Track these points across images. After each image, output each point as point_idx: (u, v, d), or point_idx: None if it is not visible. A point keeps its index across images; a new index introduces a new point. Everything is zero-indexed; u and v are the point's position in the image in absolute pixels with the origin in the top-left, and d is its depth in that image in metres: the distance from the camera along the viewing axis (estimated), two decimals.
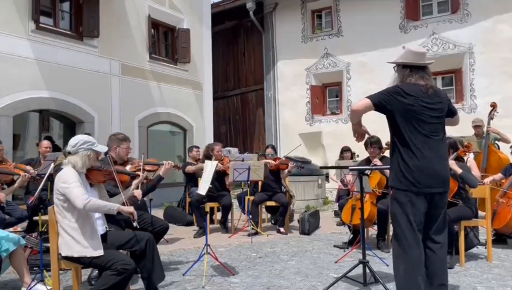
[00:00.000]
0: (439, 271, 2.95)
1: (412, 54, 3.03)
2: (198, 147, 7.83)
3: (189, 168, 7.02)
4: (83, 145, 3.09)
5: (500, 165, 6.20)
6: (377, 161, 5.11)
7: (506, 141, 6.80)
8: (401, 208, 2.91)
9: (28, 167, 5.40)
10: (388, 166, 3.19)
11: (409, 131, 2.89)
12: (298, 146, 7.72)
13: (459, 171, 4.36)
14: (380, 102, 2.91)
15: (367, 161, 5.44)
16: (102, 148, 3.30)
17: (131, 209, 3.10)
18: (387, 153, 5.56)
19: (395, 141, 3.00)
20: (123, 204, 3.27)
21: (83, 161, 3.08)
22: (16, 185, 4.84)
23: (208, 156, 6.47)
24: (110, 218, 3.65)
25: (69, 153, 3.10)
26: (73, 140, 3.13)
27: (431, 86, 2.98)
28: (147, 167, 4.36)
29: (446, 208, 3.04)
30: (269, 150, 6.99)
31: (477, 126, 7.08)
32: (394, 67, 3.16)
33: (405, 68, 3.02)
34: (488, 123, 6.65)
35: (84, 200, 2.86)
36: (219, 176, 6.53)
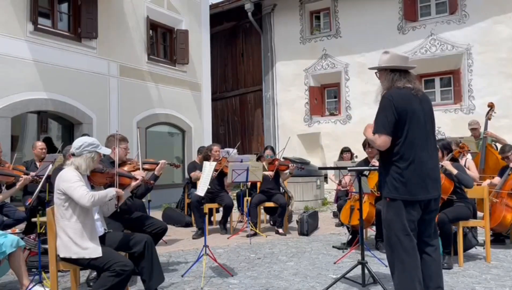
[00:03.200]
0: (435, 274, 2.94)
1: (399, 58, 3.01)
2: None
3: (193, 175, 6.98)
4: (88, 148, 3.09)
5: (498, 165, 6.22)
6: (375, 162, 5.11)
7: (504, 143, 6.81)
8: (396, 215, 2.88)
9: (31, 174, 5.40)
10: None
11: (402, 138, 2.85)
12: (288, 139, 7.67)
13: (455, 171, 4.38)
14: (391, 130, 2.84)
15: (366, 162, 5.44)
16: (106, 150, 3.30)
17: (121, 191, 3.18)
18: None
19: (387, 149, 2.91)
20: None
21: (87, 164, 3.08)
22: (16, 187, 4.81)
23: (206, 158, 6.47)
24: (109, 220, 3.65)
25: (73, 154, 3.10)
26: (78, 142, 3.13)
27: (419, 89, 2.97)
28: (146, 166, 4.37)
29: (438, 211, 3.04)
30: (268, 152, 6.98)
31: (473, 129, 7.09)
32: (376, 73, 3.11)
33: (393, 72, 2.98)
34: (486, 124, 6.66)
35: (90, 199, 2.89)
36: (219, 176, 6.51)
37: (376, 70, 3.11)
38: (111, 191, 3.09)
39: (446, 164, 4.42)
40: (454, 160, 4.64)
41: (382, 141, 2.86)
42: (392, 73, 2.99)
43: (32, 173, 4.91)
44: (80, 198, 2.89)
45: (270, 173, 6.54)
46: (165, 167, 4.27)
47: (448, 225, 4.34)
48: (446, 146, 4.63)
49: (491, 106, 6.72)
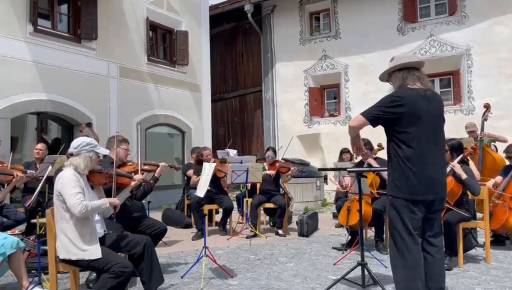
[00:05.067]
0: (436, 275, 2.95)
1: (403, 57, 3.07)
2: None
3: (190, 173, 6.99)
4: (86, 147, 3.10)
5: (495, 166, 6.20)
6: (370, 161, 5.10)
7: (503, 141, 6.78)
8: (398, 213, 2.90)
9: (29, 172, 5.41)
10: (385, 168, 3.18)
11: (407, 138, 2.87)
12: (290, 140, 7.68)
13: (464, 176, 4.29)
14: (374, 118, 2.92)
15: (361, 163, 5.44)
16: (104, 151, 3.31)
17: (116, 201, 3.21)
18: (379, 155, 5.56)
19: (392, 148, 2.96)
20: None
21: (86, 163, 3.09)
22: (10, 185, 4.76)
23: (200, 161, 6.52)
24: (109, 221, 3.65)
25: (71, 154, 3.11)
26: (76, 142, 3.14)
27: (428, 88, 2.96)
28: (146, 167, 4.37)
29: (442, 212, 3.04)
30: (269, 153, 6.96)
31: (470, 132, 7.07)
32: (388, 81, 3.15)
33: (402, 70, 3.01)
34: (482, 125, 6.64)
35: (81, 209, 2.87)
36: (214, 180, 6.50)
37: (388, 78, 3.14)
38: (105, 202, 3.10)
39: (457, 168, 4.33)
40: (463, 162, 4.54)
41: (358, 120, 2.95)
42: (401, 72, 3.02)
43: (32, 172, 4.91)
44: (72, 207, 2.88)
45: (271, 172, 6.52)
46: (166, 169, 4.27)
47: (453, 228, 4.31)
48: (455, 147, 4.48)
49: (487, 107, 6.70)
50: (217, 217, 7.33)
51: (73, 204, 2.88)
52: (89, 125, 7.82)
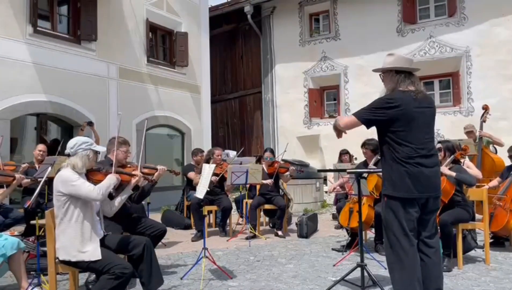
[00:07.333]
0: (434, 276, 2.95)
1: (404, 60, 3.06)
2: (203, 151, 7.70)
3: (191, 175, 6.95)
4: (82, 146, 3.11)
5: (494, 167, 6.21)
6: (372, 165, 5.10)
7: (499, 144, 6.80)
8: (394, 214, 2.91)
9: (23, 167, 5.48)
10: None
11: (400, 139, 2.88)
12: (287, 145, 7.68)
13: (453, 174, 4.37)
14: (366, 120, 2.95)
15: (365, 164, 5.44)
16: (100, 148, 3.31)
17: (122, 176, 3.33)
18: None
19: (386, 149, 2.98)
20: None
21: (83, 161, 3.09)
22: (11, 187, 4.77)
23: (208, 161, 6.48)
24: (108, 222, 3.65)
25: (68, 155, 3.11)
26: (71, 142, 3.15)
27: (420, 91, 2.98)
28: (145, 170, 4.36)
29: (437, 212, 3.05)
30: (267, 154, 6.96)
31: (469, 132, 7.08)
32: (380, 75, 3.13)
33: (399, 73, 3.01)
34: (481, 126, 6.65)
35: (98, 192, 2.96)
36: (219, 180, 6.51)
37: (380, 72, 3.13)
38: (112, 178, 3.17)
39: (443, 169, 4.38)
40: (456, 162, 4.62)
41: (349, 120, 2.99)
42: (397, 75, 3.01)
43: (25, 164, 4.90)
44: (88, 194, 2.92)
45: (269, 181, 6.50)
46: (164, 173, 4.26)
47: (449, 227, 4.33)
48: (450, 148, 4.62)
49: (486, 108, 6.71)
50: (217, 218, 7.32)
51: (87, 191, 2.93)
52: (90, 124, 7.80)
